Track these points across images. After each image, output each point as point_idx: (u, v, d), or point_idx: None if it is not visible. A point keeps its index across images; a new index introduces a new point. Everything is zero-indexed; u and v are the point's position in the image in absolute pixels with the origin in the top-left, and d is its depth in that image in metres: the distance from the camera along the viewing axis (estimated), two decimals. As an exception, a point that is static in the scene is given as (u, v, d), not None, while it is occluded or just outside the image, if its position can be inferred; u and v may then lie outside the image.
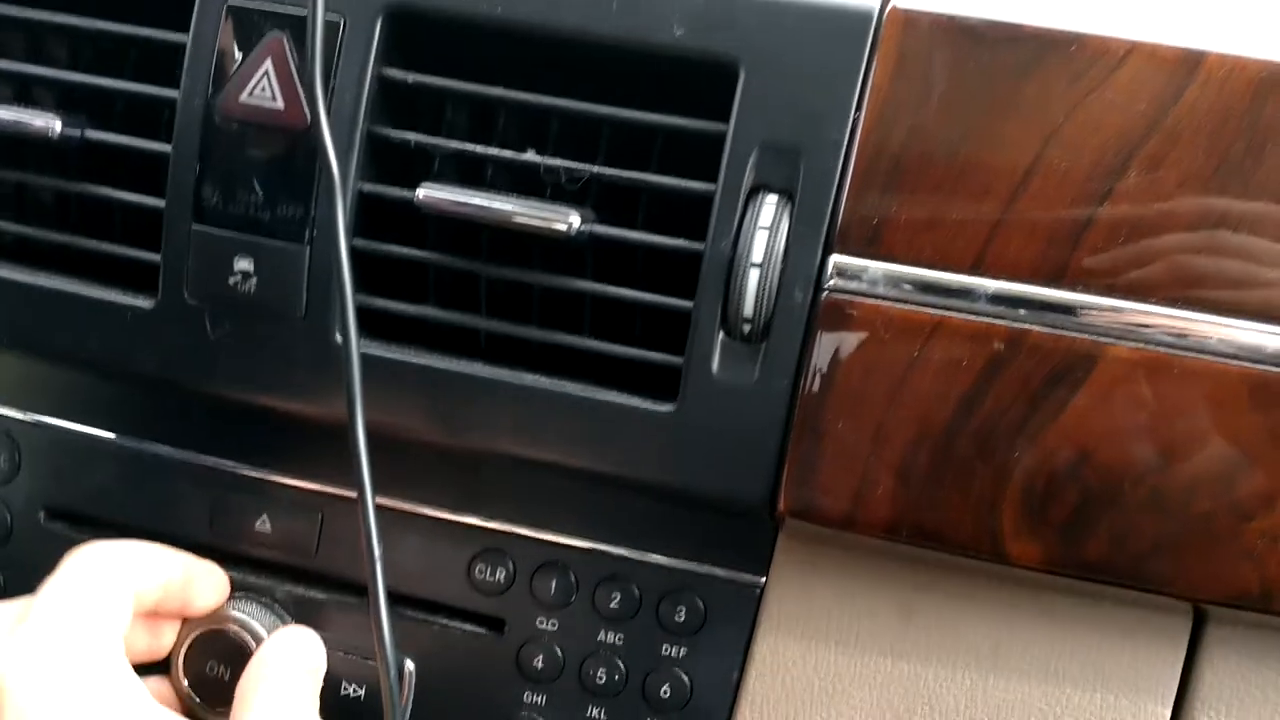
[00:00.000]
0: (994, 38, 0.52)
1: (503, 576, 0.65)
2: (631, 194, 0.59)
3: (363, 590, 0.57)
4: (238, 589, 0.68)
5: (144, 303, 0.62)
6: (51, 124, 0.61)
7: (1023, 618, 0.60)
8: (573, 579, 0.65)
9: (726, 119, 0.55)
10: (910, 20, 0.53)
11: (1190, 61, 0.51)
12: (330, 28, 0.57)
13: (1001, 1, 0.54)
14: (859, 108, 0.53)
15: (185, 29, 0.59)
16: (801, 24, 0.54)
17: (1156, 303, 0.51)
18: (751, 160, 0.55)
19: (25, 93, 0.65)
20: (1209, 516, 0.52)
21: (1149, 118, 0.51)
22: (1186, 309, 0.51)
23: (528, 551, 0.65)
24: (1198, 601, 0.55)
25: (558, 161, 0.58)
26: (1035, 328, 0.52)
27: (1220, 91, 0.51)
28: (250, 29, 0.58)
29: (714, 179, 0.55)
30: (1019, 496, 0.53)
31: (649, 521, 0.64)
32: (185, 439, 0.69)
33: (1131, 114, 0.51)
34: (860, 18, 0.54)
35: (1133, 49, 0.52)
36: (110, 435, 0.70)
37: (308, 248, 0.59)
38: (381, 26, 0.57)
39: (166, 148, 0.60)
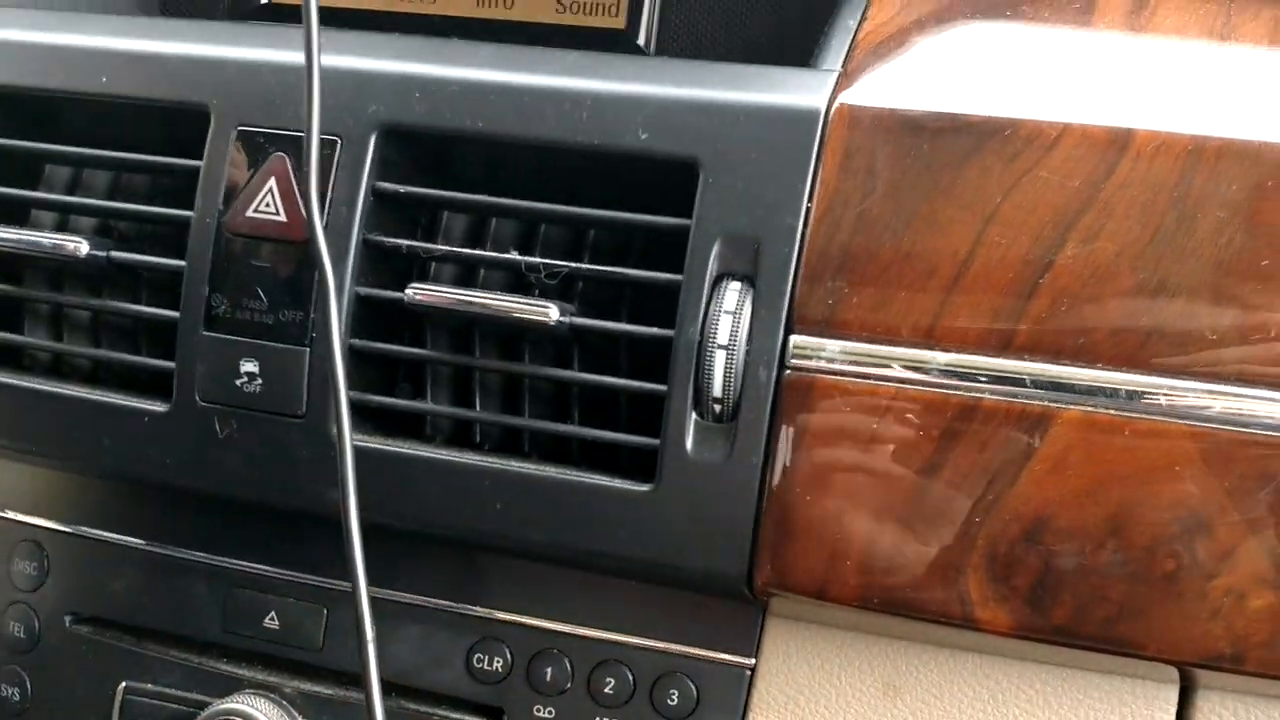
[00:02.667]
0: (934, 128, 0.56)
1: (500, 665, 0.67)
2: (614, 285, 0.63)
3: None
4: (248, 686, 0.70)
5: (159, 407, 0.66)
6: (80, 246, 0.67)
7: (1007, 692, 0.60)
8: (568, 665, 0.66)
9: (691, 212, 0.59)
10: (855, 116, 0.57)
11: (1120, 139, 0.55)
12: (327, 146, 0.62)
13: (946, 89, 0.58)
14: (810, 198, 0.57)
15: (200, 155, 0.65)
16: (755, 124, 0.58)
17: (1103, 368, 0.53)
18: (715, 250, 0.58)
19: (64, 220, 0.72)
20: (1172, 577, 0.52)
21: (1083, 194, 0.54)
22: (1133, 373, 0.53)
23: (524, 639, 0.67)
24: (1173, 663, 0.55)
25: (537, 259, 0.62)
26: (987, 396, 0.54)
27: (1151, 166, 0.54)
28: (256, 150, 0.63)
29: (681, 270, 0.59)
30: (983, 563, 0.55)
31: (641, 606, 0.66)
32: (199, 540, 0.72)
33: (1066, 191, 0.54)
34: (808, 116, 0.58)
35: (1065, 130, 0.55)
36: (131, 540, 0.74)
37: (308, 349, 0.63)
38: (375, 143, 0.63)
39: (181, 264, 0.65)
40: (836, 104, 0.58)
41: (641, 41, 0.77)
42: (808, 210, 0.57)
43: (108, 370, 0.72)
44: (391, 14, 0.81)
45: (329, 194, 0.62)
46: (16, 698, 0.75)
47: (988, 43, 0.60)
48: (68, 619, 0.75)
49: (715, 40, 0.77)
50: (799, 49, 0.73)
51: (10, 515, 0.77)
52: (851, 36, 0.61)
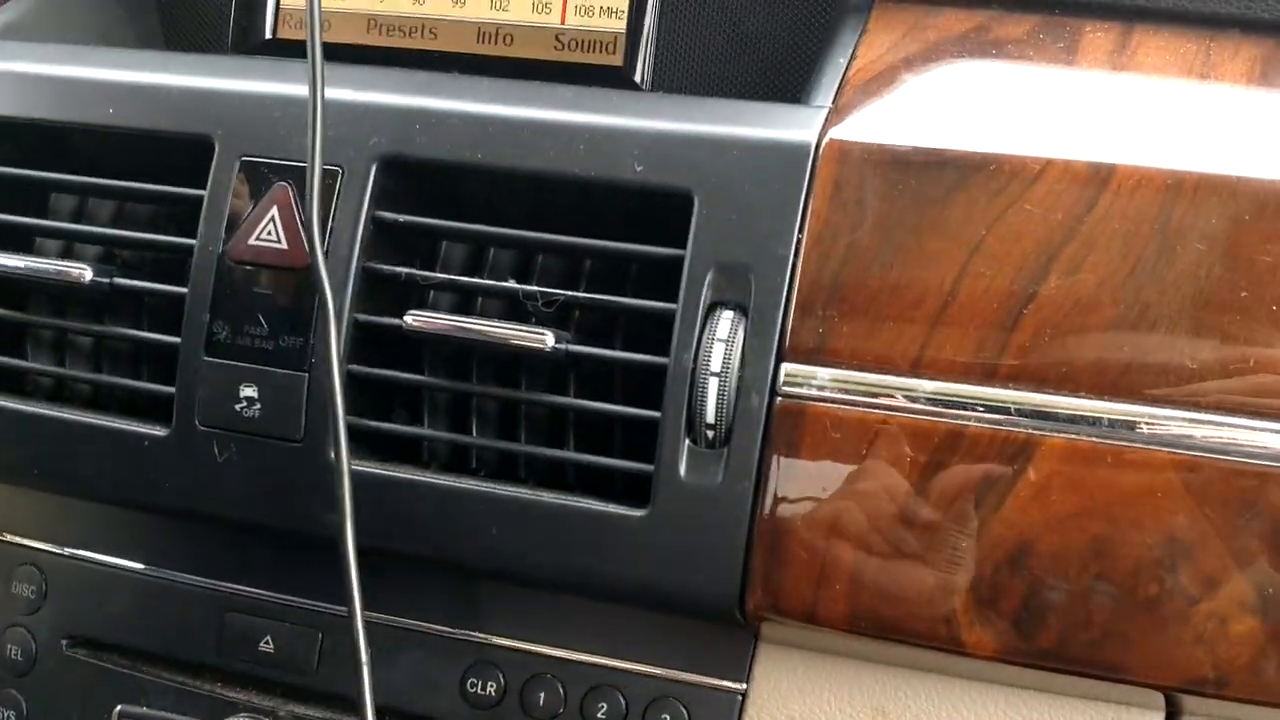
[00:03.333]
0: (920, 162, 0.58)
1: (494, 690, 0.68)
2: (609, 313, 0.64)
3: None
4: (243, 710, 0.71)
5: (159, 431, 0.67)
6: (84, 272, 0.68)
7: (994, 717, 0.61)
8: (561, 690, 0.67)
9: (685, 242, 0.60)
10: (844, 151, 0.59)
11: (1102, 174, 0.56)
12: (329, 176, 0.64)
13: (933, 125, 0.59)
14: (801, 229, 0.58)
15: (203, 185, 0.66)
16: (747, 157, 0.60)
17: (1086, 396, 0.55)
18: (708, 280, 0.60)
19: (69, 247, 0.73)
20: (1155, 602, 0.53)
21: (1066, 227, 0.56)
22: (1115, 401, 0.54)
23: (518, 664, 0.68)
24: (1158, 688, 0.56)
25: (534, 288, 0.63)
26: (973, 424, 0.56)
27: (1131, 200, 0.56)
28: (259, 180, 0.65)
29: (675, 299, 0.60)
30: (970, 587, 0.55)
31: (634, 631, 0.66)
32: (195, 564, 0.73)
33: (1049, 224, 0.56)
34: (799, 150, 0.59)
35: (1047, 165, 0.57)
36: (127, 563, 0.75)
37: (307, 374, 0.64)
38: (375, 173, 0.64)
39: (183, 290, 0.66)
40: (827, 139, 0.59)
41: (638, 78, 0.79)
42: (799, 241, 0.59)
43: (108, 395, 0.72)
44: (394, 49, 0.83)
45: (330, 223, 0.63)
46: (13, 720, 0.75)
47: (973, 81, 0.62)
48: (64, 642, 0.75)
49: (709, 77, 0.79)
50: (790, 86, 0.75)
51: (9, 538, 0.77)
52: (841, 74, 0.63)
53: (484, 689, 0.68)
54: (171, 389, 0.66)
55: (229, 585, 0.72)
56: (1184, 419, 0.53)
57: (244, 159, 0.65)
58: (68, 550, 0.76)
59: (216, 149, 0.66)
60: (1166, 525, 0.53)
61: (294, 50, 0.85)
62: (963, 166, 0.57)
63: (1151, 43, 0.63)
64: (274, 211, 0.64)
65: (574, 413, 0.64)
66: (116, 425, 0.68)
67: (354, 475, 0.61)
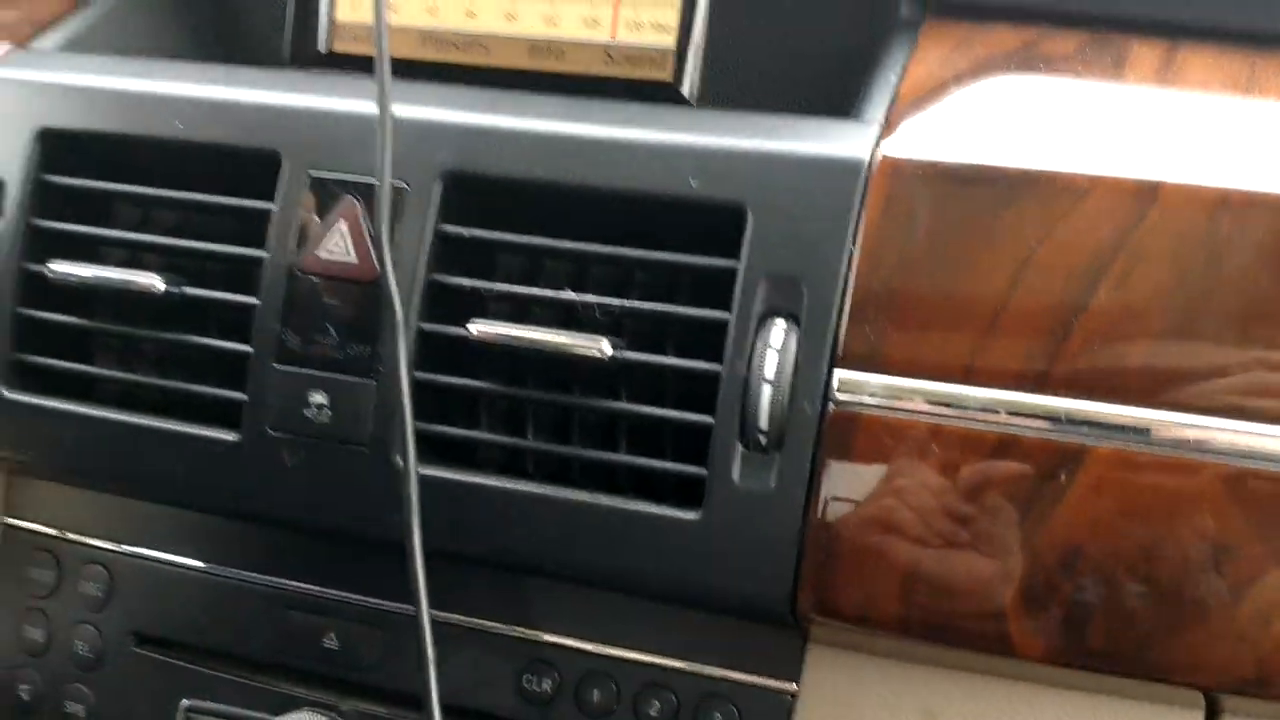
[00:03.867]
0: (971, 178, 0.59)
1: (549, 687, 0.70)
2: (661, 320, 0.66)
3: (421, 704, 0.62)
4: (305, 705, 0.73)
5: (230, 436, 0.69)
6: (155, 283, 0.71)
7: (1041, 718, 0.63)
8: (615, 688, 0.69)
9: (738, 253, 0.62)
10: (897, 167, 0.61)
11: (1148, 190, 0.58)
12: (396, 192, 0.66)
13: (983, 141, 0.61)
14: (854, 242, 0.60)
15: (271, 199, 0.69)
16: (801, 172, 0.62)
17: (1133, 405, 0.56)
18: (761, 290, 0.62)
19: (134, 256, 0.75)
20: (1199, 602, 0.55)
21: (1114, 241, 0.57)
22: (1162, 410, 0.56)
23: (573, 662, 0.70)
24: (1200, 688, 0.57)
25: (591, 298, 0.66)
26: (1024, 432, 0.57)
27: (1178, 216, 0.57)
28: (328, 196, 0.67)
29: (729, 307, 0.62)
30: (1020, 592, 0.57)
31: (686, 631, 0.68)
32: (261, 562, 0.75)
33: (1098, 238, 0.57)
34: (852, 165, 0.61)
35: (1096, 182, 0.58)
36: (193, 562, 0.77)
37: (374, 381, 0.66)
38: (440, 189, 0.66)
39: (254, 300, 0.68)
40: (879, 155, 0.61)
41: (686, 91, 0.81)
42: (851, 253, 0.60)
43: (173, 400, 0.75)
44: (447, 64, 0.85)
45: (397, 237, 0.66)
46: (82, 714, 0.78)
47: (1023, 97, 0.64)
48: (131, 638, 0.78)
49: (757, 91, 0.81)
50: (838, 100, 0.77)
51: (76, 538, 0.80)
52: (893, 90, 0.65)
53: (540, 686, 0.70)
54: (243, 395, 0.69)
55: (291, 583, 0.74)
56: (1228, 428, 0.55)
57: (312, 174, 0.68)
58: (133, 549, 0.78)
59: (285, 164, 0.68)
60: (1211, 530, 0.55)
61: (349, 64, 0.88)
62: (1013, 181, 0.59)
63: (1197, 59, 0.64)
64: (343, 226, 0.66)
65: (627, 417, 0.66)
66: (188, 430, 0.70)
67: (419, 478, 0.63)
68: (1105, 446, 0.56)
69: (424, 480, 0.65)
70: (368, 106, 0.67)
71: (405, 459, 0.63)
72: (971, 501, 0.58)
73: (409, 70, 0.81)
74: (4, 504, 0.82)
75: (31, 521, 0.81)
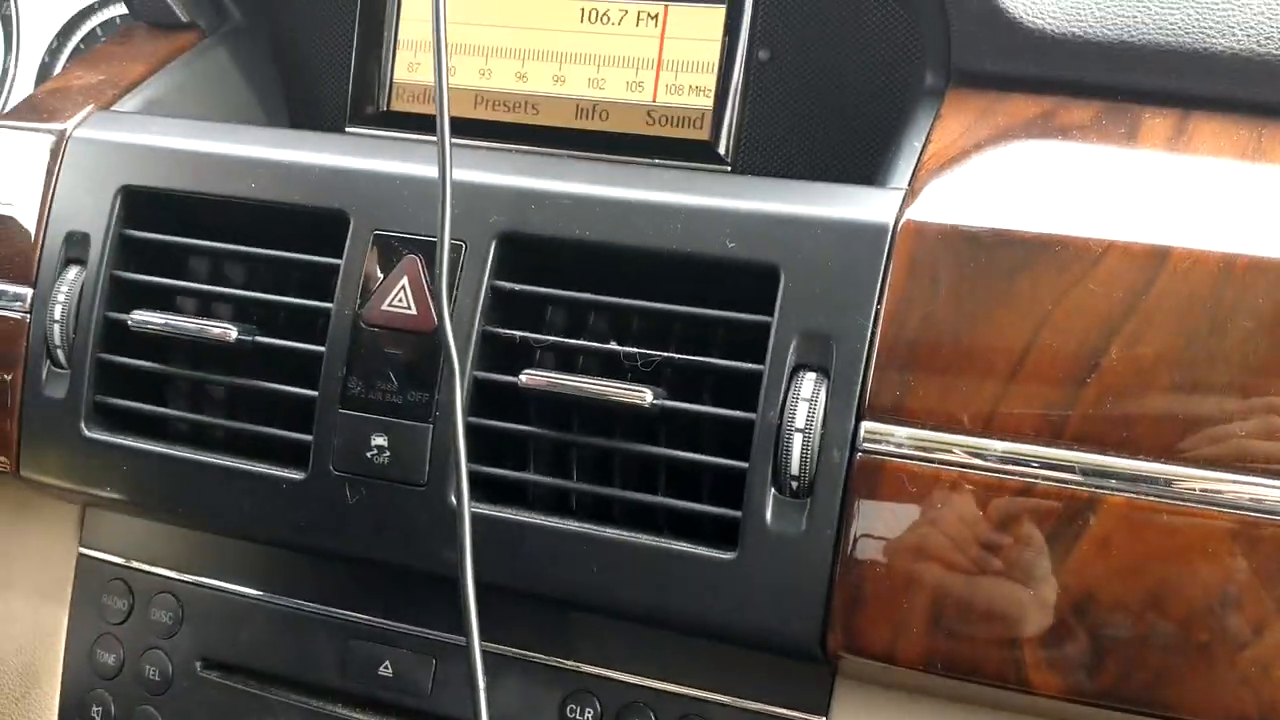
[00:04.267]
0: (991, 242, 0.63)
1: (591, 716, 0.74)
2: (699, 371, 0.70)
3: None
4: (362, 730, 0.78)
5: (296, 475, 0.74)
6: (229, 332, 0.76)
7: (1059, 751, 0.66)
8: (653, 718, 0.73)
9: (771, 310, 0.67)
10: (920, 230, 0.65)
11: (1159, 255, 0.61)
12: (454, 250, 0.71)
13: (1003, 206, 0.65)
14: (880, 301, 0.64)
15: (338, 254, 0.74)
16: (830, 235, 0.66)
17: (1144, 459, 0.60)
18: (793, 345, 0.66)
19: (207, 304, 0.81)
20: (1206, 647, 0.58)
21: (1126, 304, 0.61)
22: (1171, 463, 0.59)
23: (613, 693, 0.74)
24: (1208, 728, 0.60)
25: (634, 350, 0.70)
26: (1040, 482, 0.61)
27: (1186, 279, 0.61)
28: (391, 253, 0.72)
29: (763, 360, 0.67)
30: (1037, 632, 0.61)
31: (720, 665, 0.72)
32: (322, 594, 0.80)
33: (1111, 301, 0.61)
34: (878, 230, 0.65)
35: (1109, 246, 0.62)
36: (258, 593, 0.82)
37: (431, 426, 0.71)
38: (494, 248, 0.71)
39: (321, 349, 0.74)
40: (903, 220, 0.65)
41: (722, 151, 0.86)
42: (877, 311, 0.65)
43: (241, 440, 0.80)
44: (499, 123, 0.91)
45: (454, 292, 0.71)
46: (152, 735, 0.83)
47: (1040, 164, 0.68)
48: (198, 664, 0.83)
49: (790, 152, 0.85)
50: (866, 161, 0.81)
51: (149, 569, 0.85)
52: (917, 157, 0.69)
53: (582, 714, 0.74)
54: (309, 437, 0.74)
55: (350, 614, 0.79)
56: (1234, 480, 0.58)
57: (377, 232, 0.73)
58: (202, 579, 0.84)
59: (352, 223, 0.74)
60: (1217, 578, 0.58)
61: (408, 122, 0.94)
62: (1031, 245, 0.63)
63: (1207, 128, 0.68)
64: (404, 281, 0.71)
65: (666, 461, 0.71)
66: (257, 469, 0.75)
67: (471, 516, 0.68)
68: (1118, 497, 0.60)
69: (476, 518, 0.70)
70: (429, 170, 0.72)
71: (459, 498, 0.67)
72: (991, 547, 0.61)
73: (463, 128, 0.86)
74: (79, 535, 0.87)
75: (105, 552, 0.86)
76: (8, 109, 1.15)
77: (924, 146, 0.69)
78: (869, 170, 0.78)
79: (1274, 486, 0.58)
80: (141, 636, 0.85)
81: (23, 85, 1.17)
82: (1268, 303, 0.59)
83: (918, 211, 0.65)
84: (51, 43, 1.15)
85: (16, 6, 1.17)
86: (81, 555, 0.87)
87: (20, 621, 0.88)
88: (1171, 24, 0.69)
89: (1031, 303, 0.62)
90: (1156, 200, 0.65)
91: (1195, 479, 0.59)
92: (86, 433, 0.79)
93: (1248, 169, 0.67)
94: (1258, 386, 0.59)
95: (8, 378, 0.81)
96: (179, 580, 0.84)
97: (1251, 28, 0.68)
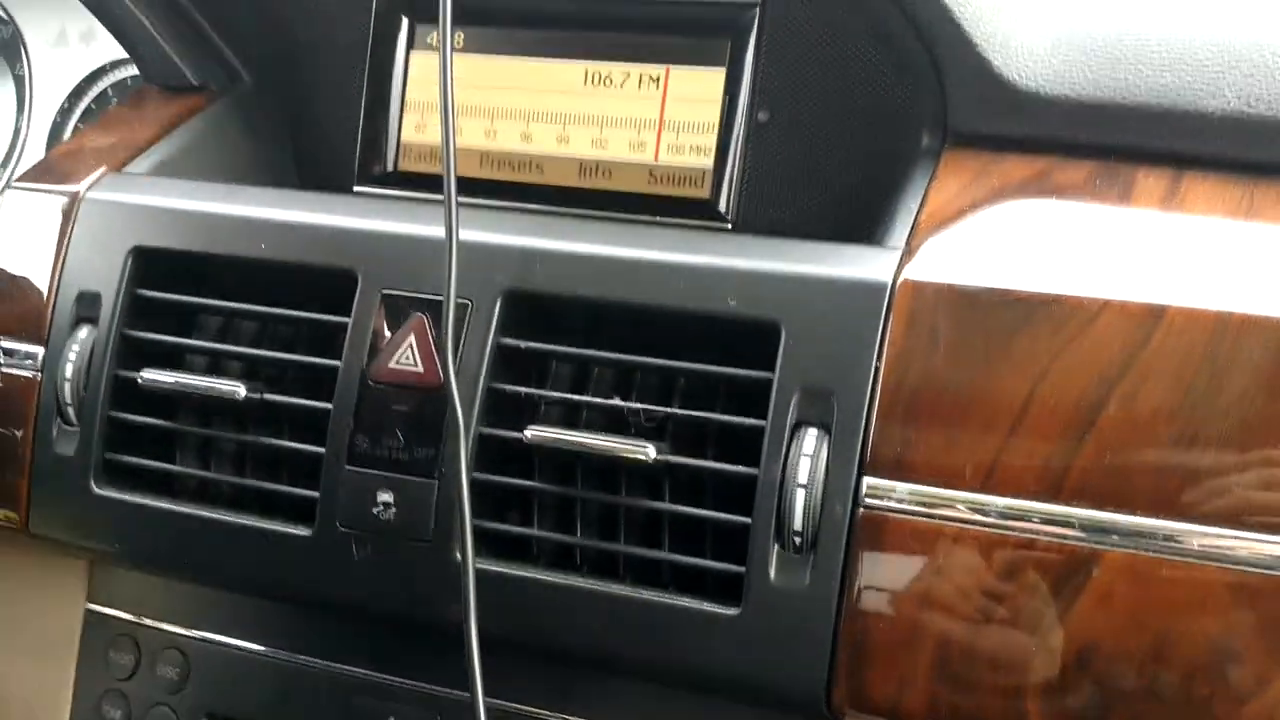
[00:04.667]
0: (988, 300, 0.65)
1: (594, 773, 0.74)
2: (702, 425, 0.71)
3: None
4: (365, 786, 0.78)
5: (303, 531, 0.75)
6: (237, 389, 0.77)
7: (1065, 807, 0.66)
8: (657, 775, 0.73)
9: (773, 366, 0.68)
10: (918, 289, 0.66)
11: (1154, 313, 0.62)
12: (460, 308, 0.72)
13: (999, 265, 0.66)
14: (879, 358, 0.65)
15: (346, 313, 0.75)
16: (830, 293, 0.67)
17: (1142, 514, 0.60)
18: (794, 401, 0.67)
19: (216, 361, 0.82)
20: (1208, 701, 0.58)
21: (1123, 361, 0.62)
22: (1169, 519, 0.60)
23: (617, 749, 0.74)
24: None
25: (638, 405, 0.71)
26: (1042, 537, 0.62)
27: (1182, 337, 0.62)
28: (398, 311, 0.74)
29: (765, 415, 0.67)
30: (1039, 685, 0.61)
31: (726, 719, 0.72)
32: (327, 649, 0.80)
33: (1108, 358, 0.62)
34: (876, 288, 0.66)
35: (1105, 305, 0.63)
36: (264, 648, 0.82)
37: (437, 482, 0.72)
38: (500, 306, 0.72)
39: (328, 406, 0.75)
40: (901, 278, 0.66)
41: (723, 209, 0.87)
42: (877, 368, 0.65)
43: (249, 496, 0.81)
44: (504, 182, 0.93)
45: (460, 349, 0.72)
46: (157, 791, 0.83)
47: (1036, 223, 0.69)
48: (204, 719, 0.83)
49: (789, 210, 0.87)
50: (863, 219, 0.83)
51: (156, 625, 0.86)
52: (914, 217, 0.70)
53: (584, 772, 0.74)
54: (315, 493, 0.74)
55: (356, 670, 0.79)
56: (1231, 536, 0.59)
57: (384, 292, 0.74)
58: (209, 635, 0.84)
59: (360, 282, 0.75)
60: (1217, 633, 0.59)
61: (415, 182, 0.95)
62: (1028, 304, 0.64)
63: (1200, 187, 0.69)
64: (411, 338, 0.73)
65: (670, 516, 0.71)
66: (264, 525, 0.76)
67: (476, 572, 0.68)
68: (1116, 552, 0.60)
69: (481, 574, 0.70)
70: (436, 230, 0.73)
71: (464, 554, 0.68)
72: (994, 601, 0.62)
73: (469, 187, 0.88)
74: (87, 591, 0.88)
75: (113, 608, 0.87)
76: (22, 171, 1.17)
77: (921, 206, 0.71)
78: (868, 228, 0.79)
79: (1272, 541, 0.58)
80: (148, 692, 0.85)
81: (35, 144, 1.19)
82: (1263, 359, 0.60)
83: (915, 270, 0.67)
84: (63, 103, 1.17)
85: (30, 68, 1.19)
86: (88, 611, 0.87)
87: (27, 677, 0.89)
88: (1163, 85, 0.71)
89: (1029, 360, 0.63)
90: (1151, 259, 0.66)
91: (1194, 534, 0.59)
92: (96, 489, 0.80)
93: (1241, 227, 0.68)
94: (1254, 442, 0.59)
95: (18, 435, 0.82)
96: (186, 636, 0.85)
97: (1241, 89, 0.70)
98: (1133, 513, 0.61)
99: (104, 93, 1.17)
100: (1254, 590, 0.58)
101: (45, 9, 1.19)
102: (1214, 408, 0.60)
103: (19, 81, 1.20)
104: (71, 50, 1.18)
